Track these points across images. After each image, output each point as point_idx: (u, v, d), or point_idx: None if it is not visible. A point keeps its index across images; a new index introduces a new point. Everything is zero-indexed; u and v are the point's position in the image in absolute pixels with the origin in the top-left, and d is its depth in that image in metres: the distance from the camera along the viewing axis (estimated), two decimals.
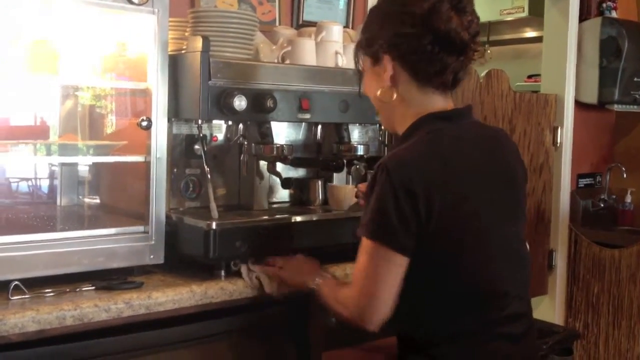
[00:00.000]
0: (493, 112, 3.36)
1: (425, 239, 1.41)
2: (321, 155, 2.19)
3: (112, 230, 1.82)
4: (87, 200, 2.16)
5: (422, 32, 1.45)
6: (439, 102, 1.53)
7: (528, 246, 1.63)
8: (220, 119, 1.94)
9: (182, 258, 1.90)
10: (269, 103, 1.84)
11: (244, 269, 1.86)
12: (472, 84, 3.25)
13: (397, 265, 1.42)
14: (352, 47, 2.12)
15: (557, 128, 3.70)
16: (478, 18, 1.50)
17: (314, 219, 2.01)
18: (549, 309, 3.80)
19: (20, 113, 2.01)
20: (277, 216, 1.99)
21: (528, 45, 4.57)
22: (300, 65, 2.00)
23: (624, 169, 3.87)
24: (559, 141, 3.71)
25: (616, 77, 3.69)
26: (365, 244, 1.45)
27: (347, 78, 2.03)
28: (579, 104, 3.77)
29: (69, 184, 2.14)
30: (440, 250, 1.44)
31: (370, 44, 1.54)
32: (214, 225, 1.80)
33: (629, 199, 3.93)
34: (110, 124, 2.09)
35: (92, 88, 2.00)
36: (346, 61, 2.11)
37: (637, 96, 3.78)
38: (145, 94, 1.85)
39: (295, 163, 2.05)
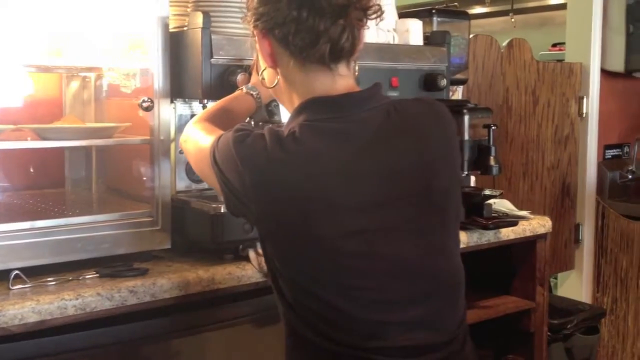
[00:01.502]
0: (515, 84, 3.26)
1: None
2: None
3: (117, 216, 1.77)
4: (93, 184, 2.12)
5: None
6: (324, 82, 1.26)
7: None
8: (222, 97, 1.86)
9: (189, 243, 1.85)
10: None
11: (252, 254, 1.80)
12: (493, 54, 3.14)
13: None
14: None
15: (582, 98, 3.58)
16: None
17: None
18: (576, 284, 3.71)
19: (24, 96, 1.95)
20: None
21: (553, 13, 4.43)
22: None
23: None
24: (584, 111, 3.59)
25: None
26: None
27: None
28: (605, 73, 3.64)
29: (75, 168, 2.10)
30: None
31: (246, 19, 1.32)
32: (222, 209, 1.73)
33: None
34: (115, 105, 2.03)
35: (95, 69, 1.93)
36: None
37: None
38: (147, 73, 1.79)
39: None
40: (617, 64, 3.61)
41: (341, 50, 1.23)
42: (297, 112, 1.28)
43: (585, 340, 2.69)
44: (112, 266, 1.70)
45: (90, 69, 2.01)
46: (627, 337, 3.55)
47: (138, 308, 1.63)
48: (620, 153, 3.85)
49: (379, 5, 1.26)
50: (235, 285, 1.76)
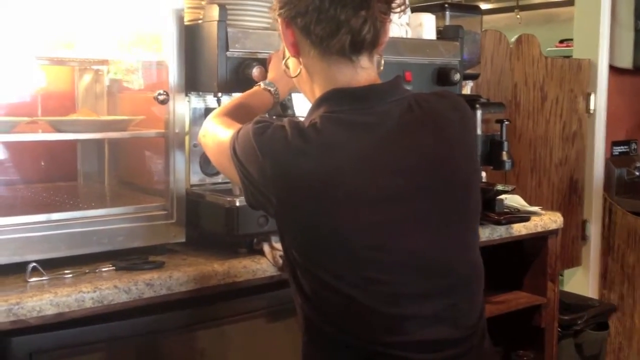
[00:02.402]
0: (524, 79, 3.25)
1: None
2: None
3: (132, 209, 1.77)
4: (106, 177, 2.11)
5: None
6: (345, 74, 1.25)
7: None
8: (239, 91, 1.85)
9: (203, 236, 1.85)
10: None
11: (266, 247, 1.80)
12: (502, 49, 3.14)
13: None
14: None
15: (590, 94, 3.57)
16: None
17: None
18: (583, 280, 3.70)
19: (36, 89, 1.95)
20: None
21: (559, 9, 4.43)
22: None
23: None
24: (592, 108, 3.59)
25: None
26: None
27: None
28: (613, 69, 3.63)
29: (88, 161, 2.10)
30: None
31: (272, 8, 1.32)
32: (236, 202, 1.73)
33: None
34: (128, 99, 2.03)
35: (108, 61, 1.93)
36: None
37: None
38: (162, 66, 1.79)
39: None
40: (626, 60, 3.60)
41: (362, 42, 1.22)
42: (318, 103, 1.27)
43: (596, 336, 2.70)
44: (128, 259, 1.70)
45: (102, 62, 2.01)
46: (634, 334, 3.55)
47: (154, 301, 1.63)
48: (628, 150, 3.84)
49: (405, 2, 1.25)
50: (250, 278, 1.76)
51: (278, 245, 1.80)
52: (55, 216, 1.66)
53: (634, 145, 3.86)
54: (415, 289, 1.21)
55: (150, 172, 1.95)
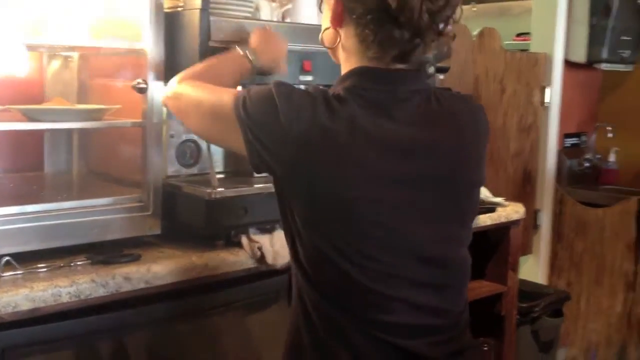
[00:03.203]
0: (485, 72, 3.30)
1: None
2: None
3: (107, 200, 1.73)
4: (74, 167, 2.06)
5: None
6: (380, 61, 1.25)
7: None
8: None
9: (180, 228, 1.82)
10: None
11: (244, 240, 1.79)
12: (466, 42, 3.17)
13: None
14: None
15: (545, 88, 3.65)
16: (454, 4, 1.23)
17: None
18: (533, 268, 3.81)
19: (5, 76, 1.88)
20: None
21: (513, 3, 4.49)
22: (304, 25, 1.89)
23: (609, 128, 3.86)
24: (547, 101, 3.67)
25: (605, 35, 3.64)
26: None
27: None
28: (567, 63, 3.73)
29: (55, 150, 2.04)
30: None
31: None
32: (215, 194, 1.71)
33: (612, 158, 3.92)
34: (100, 86, 1.98)
35: (82, 48, 1.88)
36: None
37: (624, 55, 3.75)
38: (140, 54, 1.74)
39: None
40: (580, 55, 3.69)
41: (406, 59, 1.25)
42: (345, 77, 1.27)
43: (552, 322, 2.78)
44: (103, 252, 1.66)
45: (73, 48, 1.95)
46: (579, 319, 3.68)
47: (132, 295, 1.60)
48: (579, 142, 3.96)
49: (454, 33, 1.27)
50: (228, 271, 1.74)
51: (256, 238, 1.79)
52: (29, 208, 1.60)
53: (583, 137, 3.98)
54: (409, 273, 1.23)
55: (124, 162, 1.91)
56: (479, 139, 1.32)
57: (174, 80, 1.47)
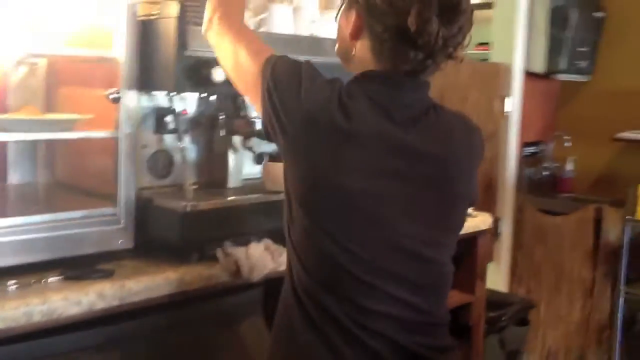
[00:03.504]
0: (449, 82, 3.32)
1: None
2: None
3: (79, 214, 1.67)
4: (40, 179, 1.99)
5: (393, 18, 1.25)
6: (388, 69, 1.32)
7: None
8: (196, 91, 1.80)
9: (153, 242, 1.77)
10: None
11: (220, 253, 1.75)
12: None
13: None
14: (327, 15, 2.02)
15: (506, 97, 3.70)
16: (465, 32, 1.30)
17: None
18: (495, 275, 3.85)
19: None
20: (258, 195, 1.86)
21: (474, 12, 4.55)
22: (280, 34, 1.87)
23: (566, 137, 3.93)
24: (507, 110, 3.72)
25: (563, 47, 3.72)
26: None
27: (323, 48, 1.91)
28: (527, 73, 3.78)
29: (20, 161, 1.96)
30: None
31: None
32: (190, 207, 1.67)
33: (570, 166, 4.00)
34: (69, 95, 1.92)
35: (52, 57, 1.82)
36: (322, 30, 1.99)
37: (581, 66, 3.83)
38: (112, 63, 1.69)
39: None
40: (539, 65, 3.75)
41: (415, 76, 1.31)
42: (355, 78, 1.33)
43: (518, 331, 2.81)
44: (76, 268, 1.60)
45: (39, 55, 1.89)
46: (539, 326, 3.73)
47: (106, 313, 1.55)
48: (537, 150, 4.02)
49: (462, 58, 1.33)
50: (204, 285, 1.70)
51: (232, 251, 1.75)
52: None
53: (542, 147, 4.04)
54: (390, 265, 1.27)
55: (93, 173, 1.85)
56: (471, 157, 1.37)
57: (214, 13, 1.47)
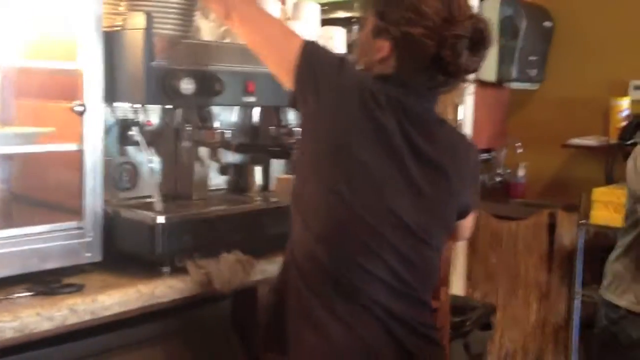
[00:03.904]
0: None
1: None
2: (259, 140, 2.08)
3: (44, 228, 1.63)
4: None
5: (430, 46, 1.40)
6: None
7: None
8: (164, 103, 1.78)
9: (121, 255, 1.74)
10: (217, 86, 1.71)
11: (190, 265, 1.73)
12: None
13: None
14: (294, 25, 2.03)
15: (458, 105, 3.76)
16: (483, 60, 1.49)
17: (269, 207, 1.91)
18: (451, 280, 3.89)
19: None
20: (227, 207, 1.86)
21: None
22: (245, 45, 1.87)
23: (518, 144, 4.02)
24: (460, 118, 3.78)
25: (513, 56, 3.80)
26: None
27: None
28: (478, 82, 3.85)
29: None
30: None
31: (382, 17, 1.48)
32: (160, 219, 1.66)
33: (521, 172, 4.08)
34: (27, 107, 1.88)
35: (7, 68, 1.78)
36: None
37: (531, 74, 3.92)
38: (75, 75, 1.67)
39: (240, 150, 1.92)
40: (490, 74, 3.83)
41: (435, 92, 1.50)
42: (377, 78, 1.47)
43: (482, 335, 2.85)
44: (42, 282, 1.57)
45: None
46: (496, 330, 3.78)
47: (78, 327, 1.52)
48: (489, 157, 4.10)
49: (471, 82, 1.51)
50: (176, 298, 1.69)
51: (202, 263, 1.74)
52: None
53: (494, 154, 4.12)
54: (390, 235, 1.41)
55: (55, 187, 1.81)
56: (471, 171, 1.55)
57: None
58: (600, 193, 3.32)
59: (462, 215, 1.57)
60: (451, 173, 1.47)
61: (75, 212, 1.70)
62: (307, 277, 1.42)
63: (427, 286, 1.51)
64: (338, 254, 1.40)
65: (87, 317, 1.53)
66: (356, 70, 1.49)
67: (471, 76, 1.50)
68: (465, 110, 3.77)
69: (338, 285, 1.39)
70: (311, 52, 1.46)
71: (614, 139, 3.65)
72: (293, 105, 1.52)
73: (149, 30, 1.64)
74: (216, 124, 1.94)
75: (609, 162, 3.68)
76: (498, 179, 4.10)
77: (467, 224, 1.64)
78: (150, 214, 1.69)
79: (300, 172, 1.50)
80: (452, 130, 1.56)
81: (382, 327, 1.40)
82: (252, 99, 1.84)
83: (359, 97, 1.40)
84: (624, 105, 3.69)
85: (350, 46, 2.21)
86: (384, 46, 1.45)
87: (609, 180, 3.65)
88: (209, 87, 1.71)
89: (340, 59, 1.48)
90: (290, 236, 1.51)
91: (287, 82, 1.50)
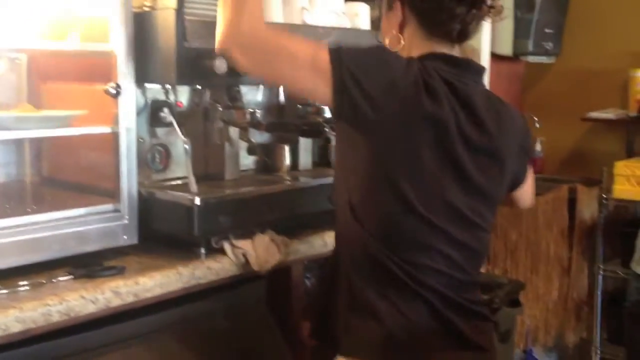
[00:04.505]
0: None
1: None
2: (286, 118, 2.07)
3: (82, 211, 1.64)
4: (28, 177, 1.94)
5: None
6: (443, 50, 1.43)
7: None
8: (196, 83, 1.78)
9: (158, 237, 1.74)
10: None
11: (227, 246, 1.73)
12: None
13: None
14: (317, 3, 2.02)
15: None
16: None
17: (302, 186, 1.90)
18: None
19: None
20: (260, 187, 1.85)
21: None
22: (273, 23, 1.85)
23: (536, 118, 3.99)
24: None
25: (529, 29, 3.77)
26: None
27: (316, 36, 1.91)
28: (493, 56, 3.82)
29: (5, 159, 1.90)
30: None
31: None
32: (197, 201, 1.65)
33: (538, 147, 4.06)
34: (56, 90, 1.87)
35: (40, 51, 1.77)
36: (313, 17, 1.98)
37: (547, 47, 3.89)
38: (107, 57, 1.66)
39: (271, 129, 1.92)
40: (506, 48, 3.80)
41: (467, 33, 1.44)
42: (421, 58, 1.41)
43: (511, 312, 2.83)
44: (84, 266, 1.57)
45: (19, 50, 1.83)
46: None
47: (121, 309, 1.53)
48: None
49: (501, 5, 1.45)
50: (214, 279, 1.69)
51: (239, 243, 1.74)
52: (3, 223, 1.50)
53: None
54: (446, 226, 1.38)
55: (88, 170, 1.81)
56: (514, 139, 1.48)
57: (237, 28, 1.33)
58: (621, 167, 3.30)
59: (517, 184, 1.56)
60: (503, 154, 1.44)
61: (110, 194, 1.70)
62: (360, 270, 1.41)
63: (479, 266, 1.52)
64: (394, 249, 1.38)
65: (130, 299, 1.53)
66: (402, 60, 1.37)
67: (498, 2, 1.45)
68: None
69: (393, 278, 1.38)
70: (347, 60, 1.31)
71: (633, 112, 3.62)
72: (343, 119, 1.36)
73: (180, 10, 1.62)
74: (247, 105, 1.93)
75: (629, 135, 3.66)
76: None
77: (526, 190, 1.63)
78: (187, 195, 1.68)
79: (354, 180, 1.41)
80: (499, 100, 1.49)
81: (435, 312, 1.39)
82: None
83: (415, 98, 1.32)
84: None
85: (374, 22, 2.19)
86: (396, 8, 1.45)
87: (630, 153, 3.63)
88: None
89: (378, 57, 1.36)
90: (338, 230, 1.50)
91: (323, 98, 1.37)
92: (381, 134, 1.33)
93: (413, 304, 1.38)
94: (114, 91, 1.62)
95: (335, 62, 1.30)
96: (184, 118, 1.89)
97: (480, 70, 1.49)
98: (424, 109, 1.32)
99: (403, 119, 1.32)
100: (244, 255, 1.71)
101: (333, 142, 1.85)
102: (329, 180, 1.64)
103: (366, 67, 1.31)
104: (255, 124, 1.85)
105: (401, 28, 1.46)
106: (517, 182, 1.56)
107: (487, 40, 3.73)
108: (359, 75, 1.30)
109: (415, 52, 1.43)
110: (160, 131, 1.85)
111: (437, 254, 1.39)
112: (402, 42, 1.45)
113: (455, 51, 1.46)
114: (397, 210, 1.36)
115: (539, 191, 3.68)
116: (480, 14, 1.42)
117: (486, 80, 3.67)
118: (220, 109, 1.86)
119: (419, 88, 1.32)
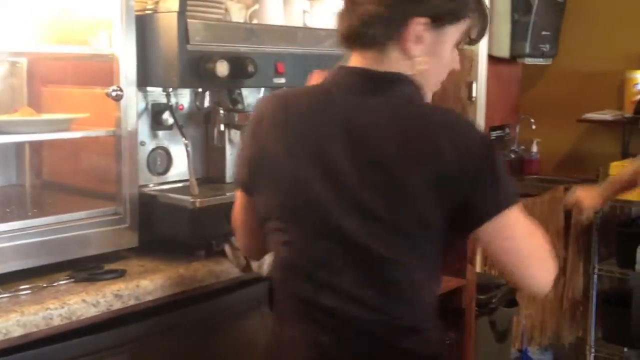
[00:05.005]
0: None
1: None
2: None
3: (83, 214, 1.63)
4: (27, 181, 1.94)
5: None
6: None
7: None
8: (198, 86, 1.77)
9: (158, 240, 1.74)
10: (250, 68, 1.69)
11: (228, 249, 1.73)
12: None
13: None
14: (318, 5, 2.02)
15: (472, 83, 3.74)
16: None
17: None
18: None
19: None
20: None
21: None
22: (275, 26, 1.85)
23: (532, 120, 4.01)
24: (474, 96, 3.76)
25: (526, 31, 3.78)
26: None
27: (317, 38, 1.91)
28: (491, 58, 3.83)
29: (5, 162, 1.90)
30: None
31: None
32: (199, 203, 1.65)
33: (534, 148, 4.08)
34: (57, 94, 1.87)
35: (40, 55, 1.77)
36: (313, 20, 1.98)
37: (544, 49, 3.90)
38: (109, 60, 1.66)
39: None
40: (503, 50, 3.81)
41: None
42: None
43: (508, 312, 2.86)
44: (85, 269, 1.57)
45: (18, 54, 1.83)
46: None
47: (123, 312, 1.52)
48: (503, 134, 4.09)
49: None
50: (215, 281, 1.69)
51: (239, 246, 1.73)
52: (4, 227, 1.50)
53: (507, 130, 4.11)
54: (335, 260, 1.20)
55: (88, 174, 1.81)
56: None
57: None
58: (617, 167, 3.31)
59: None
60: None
61: (111, 197, 1.70)
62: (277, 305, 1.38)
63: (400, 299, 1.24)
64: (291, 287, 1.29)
65: (132, 302, 1.53)
66: None
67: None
68: (478, 87, 3.75)
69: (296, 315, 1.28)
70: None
71: (629, 113, 3.65)
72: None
73: (182, 13, 1.62)
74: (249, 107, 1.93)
75: (625, 136, 3.67)
76: (512, 155, 4.09)
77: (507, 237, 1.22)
78: (188, 198, 1.68)
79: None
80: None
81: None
82: (282, 80, 1.82)
83: None
84: (639, 78, 3.67)
85: None
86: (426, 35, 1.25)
87: (625, 154, 3.64)
88: (243, 69, 1.70)
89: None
90: None
91: None
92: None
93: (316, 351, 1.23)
94: (115, 94, 1.61)
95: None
96: (185, 121, 1.89)
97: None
98: None
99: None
100: (245, 258, 1.71)
101: None
102: None
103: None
104: None
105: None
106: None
107: (484, 43, 3.75)
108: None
109: None
110: (161, 134, 1.85)
111: (329, 289, 1.22)
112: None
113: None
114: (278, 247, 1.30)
115: (534, 192, 3.75)
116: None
117: (483, 82, 3.72)
118: (222, 111, 1.85)
119: None
